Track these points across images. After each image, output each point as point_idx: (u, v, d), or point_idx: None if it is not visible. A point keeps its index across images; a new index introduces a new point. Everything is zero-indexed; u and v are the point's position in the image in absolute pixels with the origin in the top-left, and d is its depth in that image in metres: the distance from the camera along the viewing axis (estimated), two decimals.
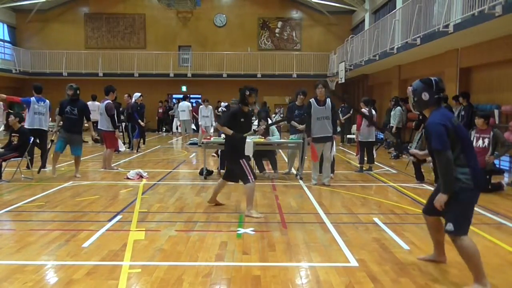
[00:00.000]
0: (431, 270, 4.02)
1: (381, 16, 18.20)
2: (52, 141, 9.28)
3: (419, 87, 3.80)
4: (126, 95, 14.37)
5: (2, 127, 15.23)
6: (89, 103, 13.73)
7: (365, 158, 10.00)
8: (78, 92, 8.99)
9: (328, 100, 8.14)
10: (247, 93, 6.01)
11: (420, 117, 12.39)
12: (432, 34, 11.15)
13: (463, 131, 3.71)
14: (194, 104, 21.93)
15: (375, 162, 10.35)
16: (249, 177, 5.89)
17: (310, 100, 8.24)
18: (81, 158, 9.34)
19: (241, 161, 5.94)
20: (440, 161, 3.53)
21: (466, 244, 3.54)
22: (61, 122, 8.99)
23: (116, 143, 10.25)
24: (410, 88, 3.95)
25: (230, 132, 5.90)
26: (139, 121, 13.25)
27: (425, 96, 3.74)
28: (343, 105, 16.33)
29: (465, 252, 3.56)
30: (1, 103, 14.90)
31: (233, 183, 6.41)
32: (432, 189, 7.96)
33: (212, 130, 14.86)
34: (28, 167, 8.75)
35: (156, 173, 9.43)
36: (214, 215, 5.95)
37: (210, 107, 15.75)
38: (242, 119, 6.05)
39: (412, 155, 4.61)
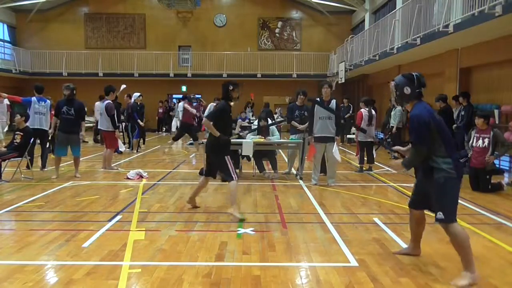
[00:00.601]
0: (431, 270, 4.02)
1: (381, 16, 18.19)
2: (50, 140, 9.22)
3: (401, 82, 4.00)
4: (126, 95, 14.37)
5: (6, 128, 15.23)
6: (97, 103, 13.78)
7: (365, 158, 10.00)
8: (74, 92, 8.98)
9: (334, 101, 8.12)
10: (231, 87, 5.91)
11: None
12: (432, 34, 11.15)
13: (443, 125, 3.90)
14: (195, 103, 21.90)
15: (375, 162, 10.35)
16: (233, 175, 5.77)
17: (315, 99, 8.24)
18: (81, 158, 9.34)
19: (226, 157, 5.82)
20: (415, 152, 3.81)
21: (458, 231, 3.73)
22: (58, 123, 8.93)
23: (116, 143, 10.24)
24: (392, 83, 4.08)
25: (217, 133, 5.75)
26: (139, 121, 13.25)
27: (407, 90, 3.95)
28: (342, 104, 16.28)
29: (457, 239, 3.72)
30: (6, 104, 14.89)
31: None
32: None
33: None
34: (28, 167, 8.74)
35: (156, 173, 9.43)
36: (214, 215, 5.95)
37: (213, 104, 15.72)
38: (226, 115, 5.95)
39: (395, 151, 4.68)
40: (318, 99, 8.21)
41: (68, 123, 8.76)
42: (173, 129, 20.98)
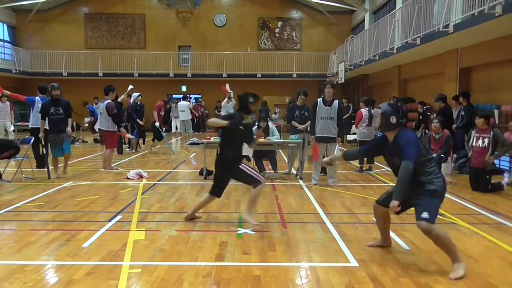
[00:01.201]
0: (431, 270, 4.02)
1: (381, 16, 18.20)
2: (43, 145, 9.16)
3: (388, 111, 4.14)
4: (126, 95, 14.36)
5: (12, 127, 15.27)
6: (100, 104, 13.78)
7: (365, 158, 10.00)
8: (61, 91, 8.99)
9: (336, 101, 8.10)
10: (251, 100, 5.41)
11: (420, 117, 12.45)
12: (432, 34, 11.15)
13: (426, 147, 4.25)
14: (194, 103, 21.95)
15: (375, 162, 10.36)
16: (258, 178, 5.34)
17: (318, 99, 8.24)
18: (81, 158, 9.34)
19: (240, 167, 5.35)
20: (403, 171, 3.90)
21: (440, 232, 3.93)
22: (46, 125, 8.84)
23: (115, 143, 10.24)
24: (378, 110, 4.21)
25: (223, 122, 5.24)
26: (138, 120, 13.25)
27: (393, 119, 4.10)
28: (342, 104, 16.29)
29: (440, 239, 3.90)
30: (9, 103, 14.94)
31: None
32: None
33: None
34: (45, 167, 8.77)
35: (156, 173, 9.43)
36: (214, 215, 5.95)
37: (232, 103, 15.70)
38: (241, 127, 5.36)
39: (327, 163, 4.84)
40: (320, 98, 8.21)
41: (58, 123, 8.69)
42: (173, 129, 20.96)
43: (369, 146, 4.87)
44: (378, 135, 4.50)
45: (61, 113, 8.74)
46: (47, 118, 8.77)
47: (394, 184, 8.43)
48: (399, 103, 13.46)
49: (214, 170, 5.72)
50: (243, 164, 5.41)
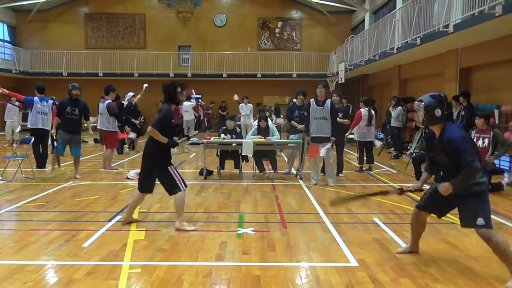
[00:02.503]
0: (431, 270, 4.02)
1: (381, 16, 18.20)
2: (54, 140, 9.18)
3: (431, 104, 3.89)
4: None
5: (19, 128, 15.28)
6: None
7: (365, 158, 10.00)
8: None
9: (328, 101, 8.08)
10: (179, 89, 5.32)
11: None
12: (432, 34, 11.15)
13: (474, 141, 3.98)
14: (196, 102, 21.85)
15: (375, 162, 10.35)
16: (180, 185, 5.21)
17: (311, 99, 8.25)
18: (81, 158, 9.34)
19: (169, 167, 5.23)
20: (468, 172, 3.70)
21: (500, 239, 3.72)
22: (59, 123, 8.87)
23: (115, 143, 10.24)
24: (421, 104, 3.93)
25: (165, 140, 5.13)
26: (133, 120, 13.26)
27: (438, 112, 3.87)
28: (341, 104, 16.25)
29: (499, 247, 3.69)
30: (17, 103, 14.95)
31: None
32: None
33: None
34: (58, 165, 8.82)
35: None
36: (214, 215, 5.95)
37: (251, 105, 15.81)
38: (170, 121, 5.34)
39: (413, 190, 4.41)
40: (313, 99, 8.20)
41: (71, 123, 8.71)
42: None
43: (427, 149, 4.46)
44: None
45: (77, 114, 8.74)
46: (62, 116, 8.74)
47: (394, 184, 8.44)
48: (402, 103, 13.49)
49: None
50: (172, 166, 5.29)
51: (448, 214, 5.88)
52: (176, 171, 5.32)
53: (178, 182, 5.22)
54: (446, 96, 4.01)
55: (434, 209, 4.20)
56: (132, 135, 12.66)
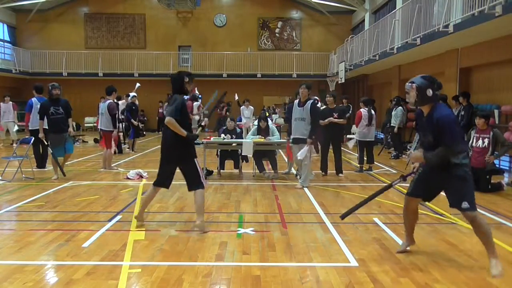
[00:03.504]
0: (431, 270, 4.02)
1: (381, 16, 18.20)
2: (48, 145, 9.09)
3: (423, 84, 3.99)
4: (125, 95, 14.41)
5: (16, 127, 15.31)
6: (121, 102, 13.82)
7: (365, 158, 10.00)
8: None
9: (309, 102, 7.81)
10: (186, 79, 5.13)
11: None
12: (432, 34, 11.15)
13: (458, 121, 4.04)
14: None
15: (375, 162, 10.35)
16: (202, 181, 5.08)
17: (295, 100, 8.19)
18: (81, 158, 9.34)
19: (195, 160, 5.10)
20: (449, 150, 3.85)
21: (483, 221, 3.97)
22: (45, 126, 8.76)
23: (111, 143, 10.20)
24: (413, 85, 4.02)
25: (184, 132, 4.96)
26: (132, 120, 13.27)
27: (429, 92, 3.97)
28: (341, 104, 16.25)
29: (482, 229, 3.91)
30: (11, 103, 14.99)
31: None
32: None
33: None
34: (61, 168, 8.74)
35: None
36: (214, 215, 5.96)
37: (252, 107, 15.85)
38: (187, 112, 5.19)
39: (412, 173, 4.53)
40: (296, 100, 8.14)
41: (58, 122, 8.67)
42: None
43: (415, 126, 4.60)
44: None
45: (61, 113, 8.73)
46: (46, 118, 8.70)
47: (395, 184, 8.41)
48: (402, 103, 13.48)
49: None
50: (197, 159, 5.18)
51: (448, 214, 5.91)
52: (199, 165, 5.16)
53: (201, 178, 5.10)
54: (434, 77, 4.09)
55: (422, 193, 4.29)
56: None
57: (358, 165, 10.14)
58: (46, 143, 8.85)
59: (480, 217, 3.95)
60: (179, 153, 5.08)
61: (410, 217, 4.46)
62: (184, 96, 5.19)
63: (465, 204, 3.86)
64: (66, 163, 9.26)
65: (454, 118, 3.99)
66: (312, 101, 7.93)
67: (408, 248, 4.53)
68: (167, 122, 4.92)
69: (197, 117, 14.03)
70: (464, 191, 3.91)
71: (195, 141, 5.33)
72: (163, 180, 5.29)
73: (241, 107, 15.92)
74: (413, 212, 4.45)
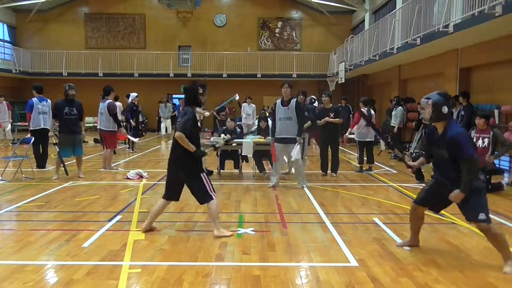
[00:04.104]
0: (431, 270, 4.02)
1: (381, 16, 18.19)
2: (55, 144, 9.07)
3: (439, 101, 4.05)
4: (125, 96, 14.42)
5: (9, 126, 15.33)
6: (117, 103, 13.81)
7: (365, 158, 10.00)
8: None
9: (293, 101, 7.84)
10: (200, 91, 5.00)
11: (420, 117, 12.45)
12: (432, 34, 11.15)
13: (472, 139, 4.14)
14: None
15: (375, 162, 10.35)
16: (212, 193, 4.92)
17: (277, 100, 8.18)
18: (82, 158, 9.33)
19: (201, 174, 4.92)
20: (471, 166, 3.90)
21: (498, 231, 4.04)
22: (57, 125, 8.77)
23: (115, 143, 10.23)
24: (429, 101, 4.07)
25: (193, 148, 4.79)
26: (131, 120, 13.28)
27: (445, 109, 4.03)
28: (339, 104, 16.22)
29: (497, 238, 3.98)
30: (6, 102, 15.01)
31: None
32: None
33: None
34: (65, 170, 8.78)
35: (156, 173, 9.43)
36: None
37: (253, 105, 15.86)
38: (196, 125, 4.99)
39: (409, 167, 4.70)
40: (279, 100, 8.13)
41: (71, 123, 8.66)
42: (162, 131, 20.67)
43: (427, 141, 4.56)
44: (428, 129, 4.39)
45: (75, 114, 8.71)
46: (59, 118, 8.60)
47: (394, 184, 8.44)
48: (402, 102, 13.48)
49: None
50: (204, 173, 4.97)
51: (448, 214, 5.91)
52: (208, 177, 5.01)
53: (209, 191, 4.91)
54: (450, 95, 4.18)
55: (430, 204, 4.40)
56: (132, 138, 12.46)
57: (358, 165, 10.14)
58: (53, 142, 8.85)
59: (494, 228, 4.01)
60: (185, 168, 4.92)
61: (416, 221, 4.55)
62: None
63: (482, 216, 3.91)
64: (81, 166, 9.05)
65: (467, 135, 4.08)
66: (295, 99, 7.95)
67: (407, 247, 4.58)
68: (177, 137, 4.79)
69: (207, 113, 13.99)
70: (481, 203, 3.96)
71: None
72: (171, 193, 5.13)
73: (243, 104, 15.91)
74: (419, 218, 4.53)
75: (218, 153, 9.30)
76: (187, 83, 5.13)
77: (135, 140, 12.55)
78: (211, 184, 4.99)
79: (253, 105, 16.05)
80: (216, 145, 6.16)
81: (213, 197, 4.93)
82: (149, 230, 5.13)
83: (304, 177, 8.06)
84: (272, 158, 8.07)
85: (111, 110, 9.58)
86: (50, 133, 9.01)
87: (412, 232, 4.61)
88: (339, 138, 10.03)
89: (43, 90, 9.74)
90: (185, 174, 4.94)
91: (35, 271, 3.90)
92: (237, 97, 15.68)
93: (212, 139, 9.21)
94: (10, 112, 15.39)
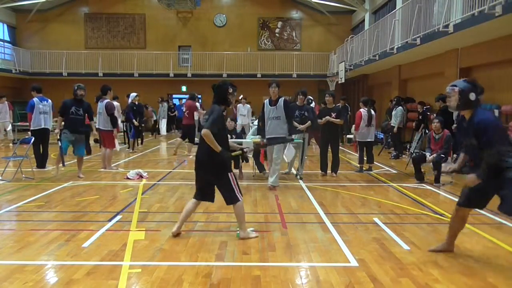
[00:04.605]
0: (431, 270, 4.02)
1: (381, 16, 18.19)
2: (59, 140, 9.11)
3: (466, 88, 3.92)
4: (126, 96, 14.44)
5: (10, 127, 15.35)
6: (115, 103, 13.83)
7: (365, 158, 10.00)
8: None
9: (281, 100, 7.82)
10: (230, 90, 4.93)
11: (420, 117, 12.46)
12: (432, 34, 11.15)
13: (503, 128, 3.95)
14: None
15: (375, 162, 10.35)
16: (238, 195, 4.83)
17: (265, 100, 8.17)
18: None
19: (229, 174, 4.83)
20: (494, 153, 3.73)
21: None
22: (63, 123, 8.84)
23: (113, 142, 10.21)
24: (455, 88, 3.95)
25: (219, 148, 4.66)
26: (134, 121, 13.28)
27: (472, 96, 3.89)
28: (338, 104, 16.21)
29: None
30: (7, 103, 15.02)
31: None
32: (432, 188, 7.97)
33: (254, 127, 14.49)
34: (63, 164, 8.85)
35: (156, 173, 9.43)
36: (214, 215, 5.95)
37: (248, 105, 15.85)
38: (224, 125, 4.99)
39: (453, 171, 4.47)
40: (267, 99, 8.11)
41: (76, 123, 8.72)
42: (162, 131, 20.63)
43: (458, 133, 4.39)
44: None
45: (81, 114, 8.76)
46: (65, 116, 8.68)
47: (394, 184, 8.43)
48: (402, 102, 13.47)
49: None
50: (232, 173, 4.89)
51: (448, 214, 5.92)
52: (235, 177, 4.91)
53: (236, 191, 4.82)
54: (476, 80, 4.00)
55: (475, 204, 4.21)
56: (118, 146, 12.23)
57: (358, 165, 10.14)
58: (57, 138, 8.89)
59: None
60: (212, 169, 4.81)
61: (457, 225, 4.37)
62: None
63: None
64: (82, 166, 9.11)
65: (495, 121, 3.92)
66: (283, 98, 7.92)
67: (440, 250, 4.44)
68: (203, 134, 4.66)
69: (248, 105, 13.97)
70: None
71: (196, 142, 5.13)
72: (204, 195, 5.02)
73: (238, 105, 15.87)
74: (462, 220, 4.35)
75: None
76: (217, 83, 4.94)
77: (118, 148, 12.44)
78: (238, 185, 4.90)
79: (248, 105, 16.02)
80: (245, 149, 5.50)
81: (239, 198, 4.83)
82: (178, 234, 4.97)
83: (278, 176, 7.89)
84: (260, 158, 8.03)
85: (109, 110, 9.58)
86: (56, 130, 9.05)
87: (449, 237, 4.41)
88: (340, 138, 10.03)
89: (42, 90, 9.78)
90: (213, 175, 4.85)
91: (35, 271, 3.90)
92: (241, 96, 15.60)
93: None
94: (11, 112, 15.40)
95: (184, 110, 13.81)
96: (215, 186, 4.97)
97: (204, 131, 4.66)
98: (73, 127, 8.69)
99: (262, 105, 8.11)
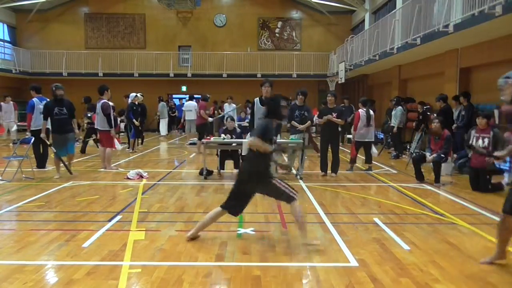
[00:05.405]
0: (431, 270, 4.02)
1: (381, 16, 18.19)
2: (50, 145, 9.11)
3: None
4: (124, 96, 14.45)
5: (15, 127, 15.36)
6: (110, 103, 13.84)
7: (364, 158, 10.00)
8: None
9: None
10: (283, 103, 4.85)
11: (420, 117, 12.47)
12: (432, 34, 11.14)
13: None
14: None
15: (375, 162, 10.34)
16: (291, 193, 4.66)
17: (255, 99, 8.12)
18: (81, 158, 9.35)
19: (272, 180, 4.71)
20: None
21: None
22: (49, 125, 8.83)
23: (112, 142, 10.20)
24: (508, 81, 3.76)
25: (270, 148, 4.58)
26: (134, 121, 13.28)
27: None
28: (342, 105, 16.21)
29: None
30: (12, 103, 15.04)
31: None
32: (432, 188, 7.97)
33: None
34: (68, 168, 8.84)
35: (156, 173, 9.43)
36: None
37: (234, 105, 15.87)
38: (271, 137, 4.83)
39: (498, 158, 4.33)
40: (257, 98, 8.06)
41: (62, 123, 8.73)
42: (162, 132, 20.59)
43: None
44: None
45: (65, 113, 8.79)
46: (50, 118, 8.72)
47: (394, 184, 8.40)
48: (402, 103, 13.46)
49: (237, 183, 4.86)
50: (276, 179, 4.78)
51: (448, 214, 5.92)
52: (281, 181, 4.77)
53: (289, 191, 4.66)
54: None
55: None
56: (118, 146, 12.20)
57: (349, 164, 10.12)
58: (47, 143, 8.89)
59: None
60: (259, 176, 4.69)
61: (504, 233, 4.07)
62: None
63: None
64: (71, 162, 9.21)
65: None
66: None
67: (493, 261, 4.13)
68: (251, 143, 4.62)
69: (210, 119, 13.91)
70: None
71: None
72: (240, 208, 4.83)
73: (224, 105, 15.91)
74: (509, 226, 4.02)
75: (218, 153, 9.28)
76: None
77: (119, 148, 12.42)
78: (287, 184, 4.77)
79: (234, 105, 16.05)
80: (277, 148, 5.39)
81: (295, 197, 4.68)
82: (195, 237, 4.87)
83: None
84: None
85: (105, 110, 9.56)
86: (42, 134, 9.01)
87: (499, 245, 4.09)
88: (340, 138, 10.03)
89: (41, 90, 9.78)
90: (261, 184, 4.72)
91: (35, 271, 3.90)
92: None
93: (212, 139, 9.18)
94: (16, 112, 15.43)
95: (197, 111, 13.79)
96: (268, 195, 4.87)
97: (252, 139, 4.61)
98: (60, 129, 8.72)
99: (252, 104, 8.04)
